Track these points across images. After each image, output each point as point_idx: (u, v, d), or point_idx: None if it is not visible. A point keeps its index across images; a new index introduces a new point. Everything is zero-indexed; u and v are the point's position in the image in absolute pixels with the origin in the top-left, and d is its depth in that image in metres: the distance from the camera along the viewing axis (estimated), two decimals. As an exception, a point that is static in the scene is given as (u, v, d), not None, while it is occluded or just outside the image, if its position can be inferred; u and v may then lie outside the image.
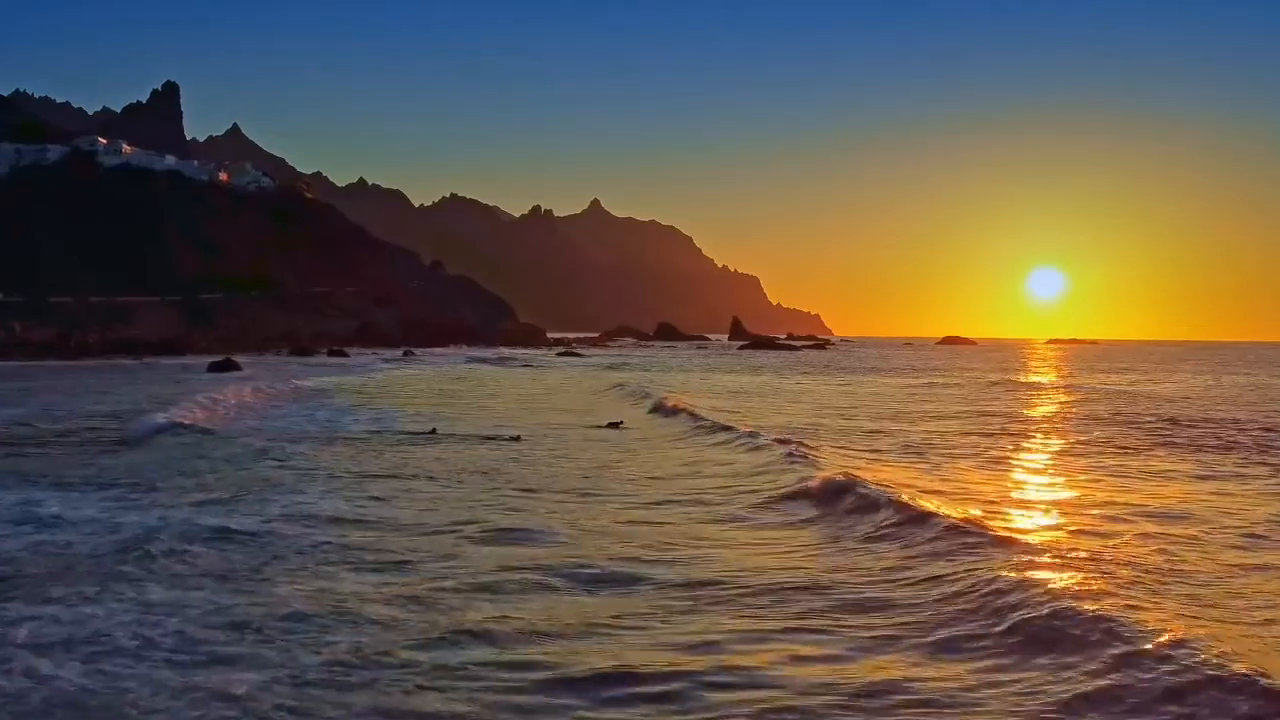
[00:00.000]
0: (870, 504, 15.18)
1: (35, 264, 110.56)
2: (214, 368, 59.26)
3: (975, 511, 15.12)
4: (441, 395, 46.38)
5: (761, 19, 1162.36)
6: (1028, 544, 12.60)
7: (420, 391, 48.61)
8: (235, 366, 59.69)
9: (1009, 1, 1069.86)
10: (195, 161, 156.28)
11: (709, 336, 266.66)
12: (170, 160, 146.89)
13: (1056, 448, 27.21)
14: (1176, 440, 28.74)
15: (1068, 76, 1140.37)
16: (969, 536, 12.55)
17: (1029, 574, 10.59)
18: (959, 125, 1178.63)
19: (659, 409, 36.82)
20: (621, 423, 31.89)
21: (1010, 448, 26.93)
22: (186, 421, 26.23)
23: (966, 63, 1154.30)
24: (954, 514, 14.06)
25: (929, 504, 14.76)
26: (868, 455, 24.43)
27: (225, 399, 35.35)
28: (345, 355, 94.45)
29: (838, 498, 16.04)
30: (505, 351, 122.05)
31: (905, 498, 15.25)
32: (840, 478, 17.20)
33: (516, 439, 26.75)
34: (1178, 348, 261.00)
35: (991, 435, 30.30)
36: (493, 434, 27.86)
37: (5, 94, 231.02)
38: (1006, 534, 13.10)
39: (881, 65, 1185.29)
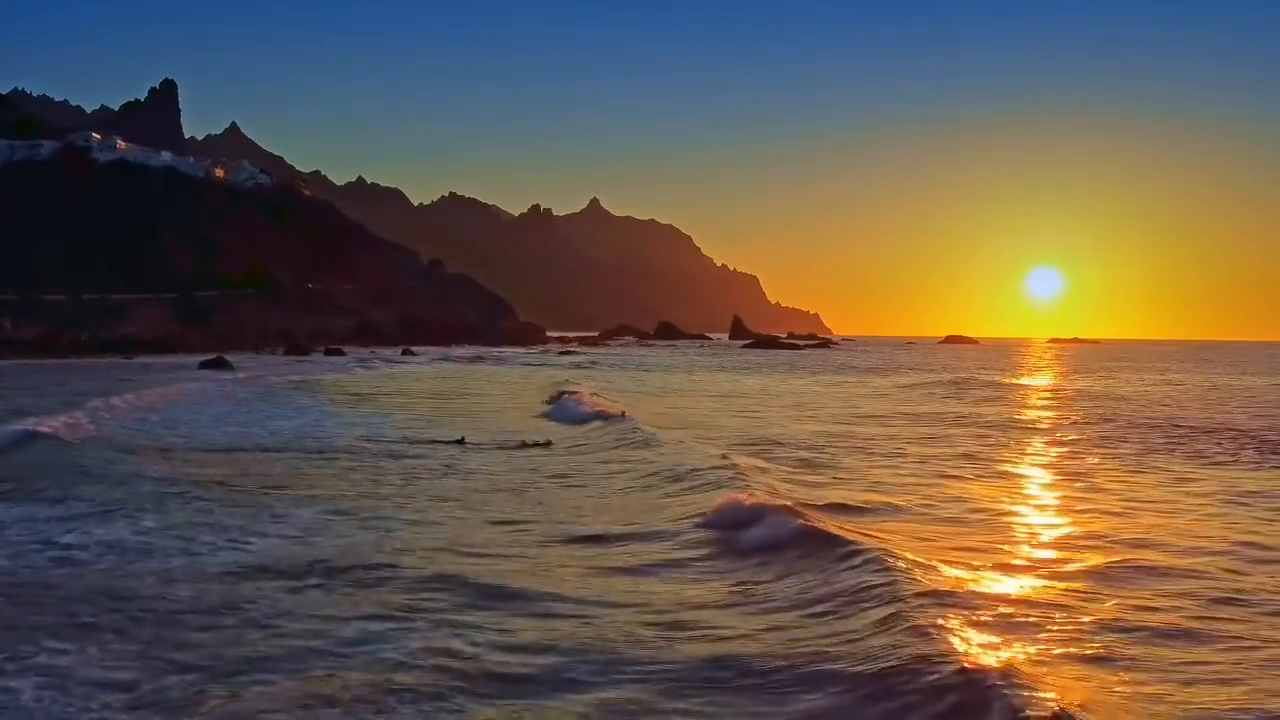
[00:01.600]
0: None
1: (27, 261, 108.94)
2: (205, 366, 57.85)
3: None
4: (440, 396, 44.66)
5: (761, 18, 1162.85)
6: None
7: (418, 391, 46.87)
8: (227, 365, 58.25)
9: (1009, 2, 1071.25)
10: (191, 158, 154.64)
11: (709, 335, 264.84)
12: (166, 156, 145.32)
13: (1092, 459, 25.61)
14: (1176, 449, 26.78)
15: (1068, 76, 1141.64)
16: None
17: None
18: (958, 125, 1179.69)
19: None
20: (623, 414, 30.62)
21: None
22: (50, 431, 23.62)
23: (966, 63, 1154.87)
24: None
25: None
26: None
27: (173, 399, 33.46)
28: (342, 354, 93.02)
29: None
30: (496, 351, 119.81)
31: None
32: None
33: (546, 444, 25.44)
34: (1178, 347, 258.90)
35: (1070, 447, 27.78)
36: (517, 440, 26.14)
37: (3, 92, 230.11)
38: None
39: (881, 65, 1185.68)
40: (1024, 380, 70.27)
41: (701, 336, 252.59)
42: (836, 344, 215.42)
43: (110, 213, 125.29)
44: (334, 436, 26.46)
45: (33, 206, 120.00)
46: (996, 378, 71.00)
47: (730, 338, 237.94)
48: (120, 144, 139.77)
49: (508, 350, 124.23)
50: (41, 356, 75.23)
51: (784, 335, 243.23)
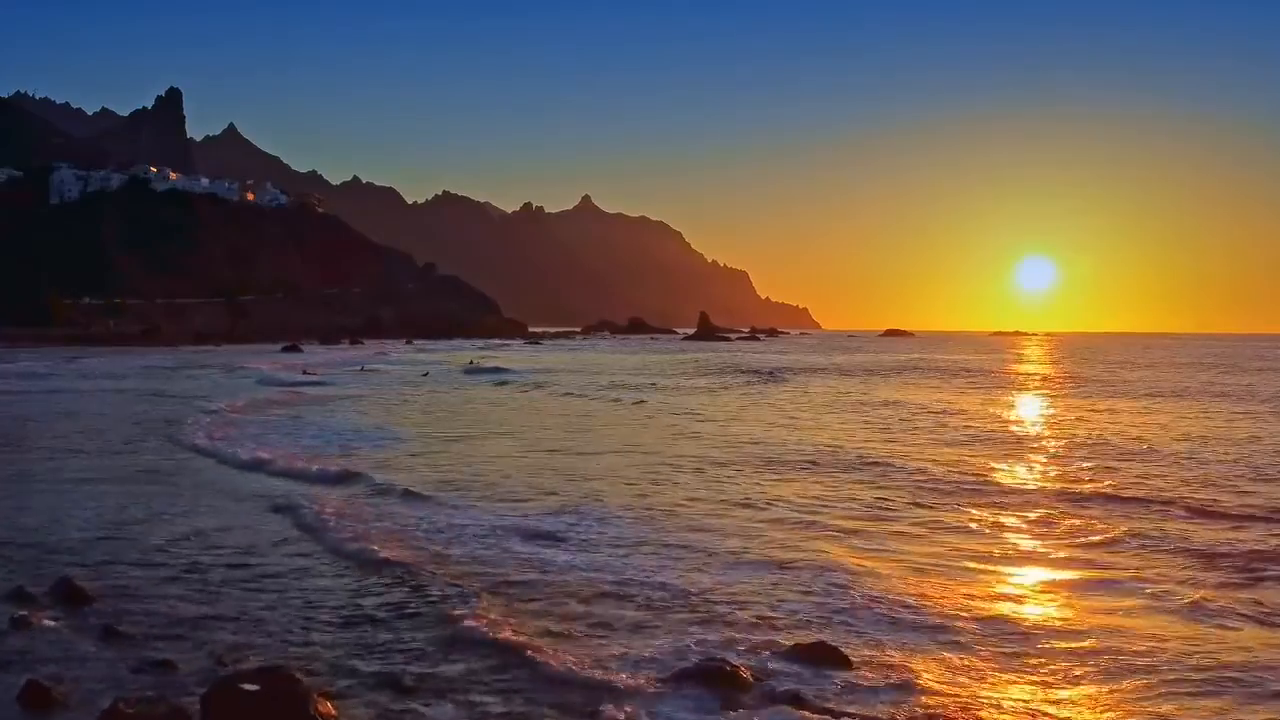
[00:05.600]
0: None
1: (112, 273, 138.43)
2: (286, 350, 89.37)
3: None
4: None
5: (752, 16, 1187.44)
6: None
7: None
8: (298, 349, 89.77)
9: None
10: (226, 182, 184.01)
11: (676, 330, 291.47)
12: (205, 183, 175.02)
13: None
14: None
15: (1056, 73, 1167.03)
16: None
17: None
18: (948, 121, 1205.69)
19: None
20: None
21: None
22: None
23: (956, 59, 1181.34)
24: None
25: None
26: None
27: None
28: (362, 343, 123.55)
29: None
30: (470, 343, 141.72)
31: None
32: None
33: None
34: (1177, 342, 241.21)
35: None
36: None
37: (5, 95, 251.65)
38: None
39: (871, 62, 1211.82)
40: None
41: (668, 331, 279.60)
42: (782, 336, 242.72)
43: (167, 231, 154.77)
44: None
45: (109, 228, 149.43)
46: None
47: (695, 331, 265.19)
48: (171, 175, 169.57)
49: (467, 342, 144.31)
50: (151, 344, 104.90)
51: (746, 329, 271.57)
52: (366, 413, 35.53)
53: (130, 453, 24.03)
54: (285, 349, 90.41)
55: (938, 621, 10.80)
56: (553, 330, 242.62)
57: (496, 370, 62.57)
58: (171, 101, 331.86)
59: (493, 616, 10.40)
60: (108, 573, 12.19)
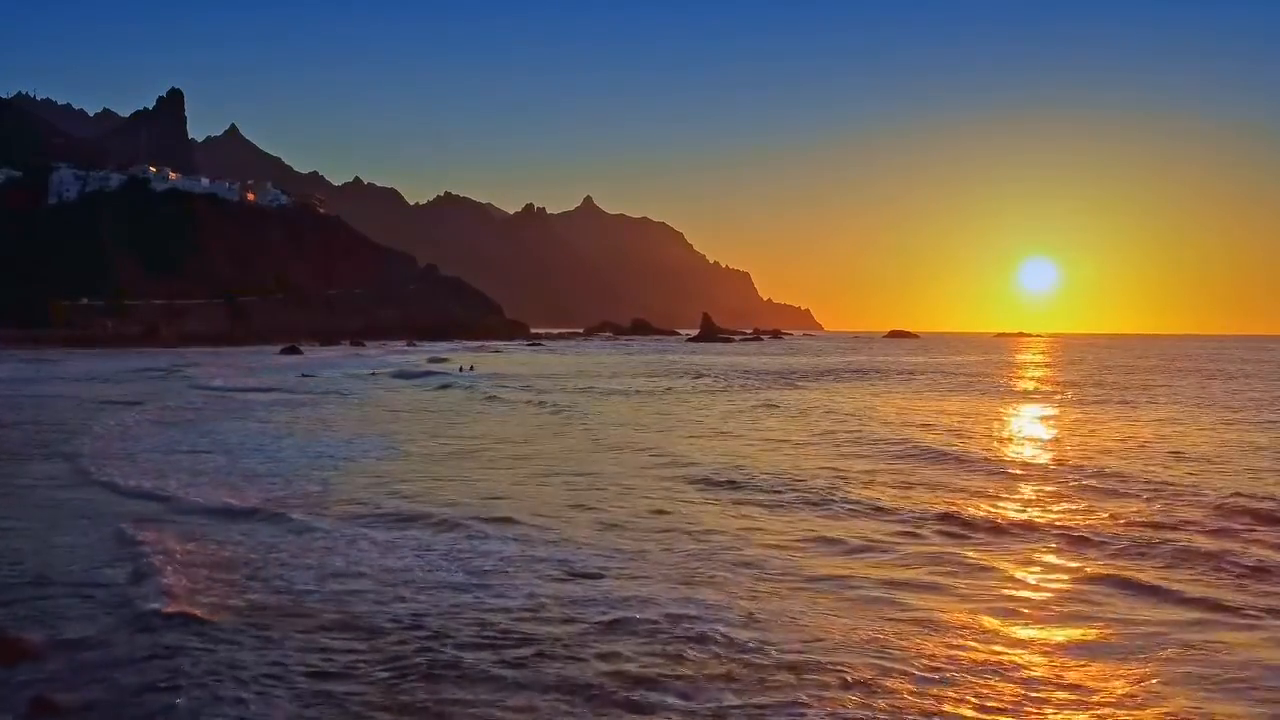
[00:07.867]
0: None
1: (112, 273, 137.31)
2: (285, 352, 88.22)
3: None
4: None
5: (754, 17, 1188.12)
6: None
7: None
8: (298, 351, 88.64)
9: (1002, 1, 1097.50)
10: (226, 183, 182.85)
11: (679, 331, 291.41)
12: (205, 183, 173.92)
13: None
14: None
15: (1058, 74, 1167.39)
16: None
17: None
18: (950, 122, 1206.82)
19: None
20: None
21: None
22: None
23: (958, 61, 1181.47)
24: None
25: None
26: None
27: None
28: (363, 345, 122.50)
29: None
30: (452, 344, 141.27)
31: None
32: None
33: None
34: (1178, 343, 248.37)
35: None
36: None
37: (7, 96, 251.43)
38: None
39: (874, 63, 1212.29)
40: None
41: (671, 332, 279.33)
42: (784, 337, 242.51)
43: (166, 232, 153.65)
44: None
45: (108, 228, 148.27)
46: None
47: (699, 333, 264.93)
48: (171, 175, 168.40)
49: (455, 344, 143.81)
50: (149, 345, 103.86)
51: (749, 330, 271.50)
52: (273, 421, 33.71)
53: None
54: (284, 350, 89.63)
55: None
56: (555, 331, 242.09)
57: (448, 374, 62.51)
58: (173, 102, 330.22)
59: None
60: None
